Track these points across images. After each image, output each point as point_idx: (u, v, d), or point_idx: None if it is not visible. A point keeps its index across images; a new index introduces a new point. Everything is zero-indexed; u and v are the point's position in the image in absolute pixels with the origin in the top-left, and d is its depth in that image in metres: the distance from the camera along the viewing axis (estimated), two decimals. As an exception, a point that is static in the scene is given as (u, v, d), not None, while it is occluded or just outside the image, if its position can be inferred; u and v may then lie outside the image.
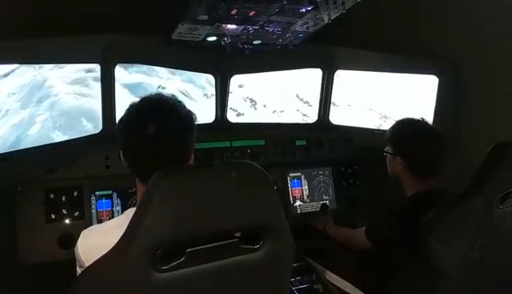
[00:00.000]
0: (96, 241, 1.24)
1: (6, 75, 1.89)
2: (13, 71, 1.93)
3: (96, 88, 2.35)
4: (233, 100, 2.97)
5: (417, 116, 2.19)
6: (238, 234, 1.11)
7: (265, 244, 1.12)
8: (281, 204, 2.90)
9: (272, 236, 1.13)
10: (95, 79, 2.34)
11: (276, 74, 3.00)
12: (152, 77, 2.67)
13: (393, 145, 2.18)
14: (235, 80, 2.88)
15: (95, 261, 1.06)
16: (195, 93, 2.89)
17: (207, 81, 2.91)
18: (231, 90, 2.87)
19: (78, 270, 1.34)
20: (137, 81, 2.57)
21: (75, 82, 2.34)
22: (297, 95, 3.15)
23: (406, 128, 2.17)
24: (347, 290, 2.21)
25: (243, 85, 2.97)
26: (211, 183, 1.05)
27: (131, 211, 1.15)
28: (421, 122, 2.15)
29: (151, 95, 1.44)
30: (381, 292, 2.00)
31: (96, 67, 2.29)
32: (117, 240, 1.03)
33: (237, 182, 1.07)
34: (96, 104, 2.38)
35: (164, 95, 1.43)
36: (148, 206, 0.98)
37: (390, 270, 1.91)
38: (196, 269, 1.03)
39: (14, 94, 2.02)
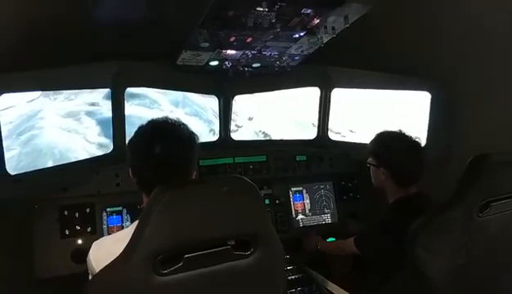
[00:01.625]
0: (106, 250, 1.36)
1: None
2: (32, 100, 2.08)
3: (86, 123, 2.46)
4: (246, 134, 3.10)
5: (395, 129, 2.31)
6: (232, 242, 1.24)
7: (256, 251, 1.24)
8: (285, 218, 3.01)
9: (262, 243, 1.25)
10: (87, 114, 2.43)
11: (280, 102, 3.13)
12: (153, 110, 2.69)
13: (376, 157, 2.31)
14: (243, 112, 3.00)
15: (104, 267, 1.21)
16: (200, 128, 2.94)
17: (214, 113, 2.96)
18: (241, 124, 3.02)
19: (91, 278, 1.49)
20: (130, 113, 2.59)
21: (68, 115, 2.41)
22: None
23: (388, 140, 2.30)
24: (344, 298, 2.31)
25: (252, 117, 3.10)
26: (204, 196, 1.19)
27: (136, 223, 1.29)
28: (401, 135, 2.27)
29: (158, 118, 1.58)
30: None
31: (101, 101, 2.45)
32: None
33: (228, 195, 1.21)
34: (74, 143, 2.42)
35: (170, 119, 1.57)
36: (148, 217, 1.12)
37: (381, 277, 2.01)
38: (193, 273, 1.16)
39: (11, 122, 2.06)
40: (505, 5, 1.82)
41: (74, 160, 2.39)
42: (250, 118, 3.13)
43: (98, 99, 2.50)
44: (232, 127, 3.01)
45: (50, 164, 2.27)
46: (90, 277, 1.48)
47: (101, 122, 2.54)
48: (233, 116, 2.95)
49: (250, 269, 1.24)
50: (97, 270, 1.32)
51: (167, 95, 2.83)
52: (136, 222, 1.47)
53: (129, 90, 2.56)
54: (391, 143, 2.28)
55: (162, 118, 1.56)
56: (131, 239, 1.14)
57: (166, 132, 1.51)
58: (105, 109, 2.48)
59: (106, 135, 2.51)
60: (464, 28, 2.12)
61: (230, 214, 1.20)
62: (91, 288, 1.25)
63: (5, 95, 1.86)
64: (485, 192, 1.72)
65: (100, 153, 2.54)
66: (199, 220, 1.15)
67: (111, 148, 2.55)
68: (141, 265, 1.11)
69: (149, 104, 2.77)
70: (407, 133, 2.30)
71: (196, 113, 2.58)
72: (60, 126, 2.40)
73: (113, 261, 1.18)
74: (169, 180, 1.29)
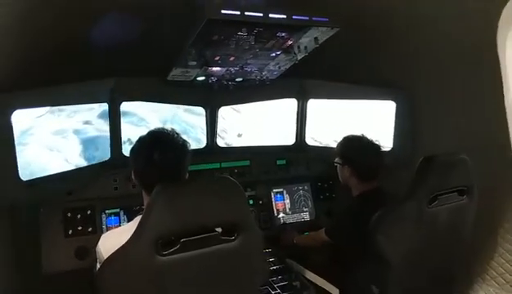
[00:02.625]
0: (113, 241, 1.59)
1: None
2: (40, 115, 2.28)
3: (72, 140, 2.63)
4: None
5: (358, 133, 2.61)
6: (219, 229, 1.52)
7: (239, 236, 1.52)
8: (267, 217, 3.29)
9: (244, 230, 1.52)
10: (75, 132, 2.62)
11: (265, 113, 3.40)
12: (140, 128, 2.86)
13: (342, 157, 2.60)
14: (233, 129, 3.24)
15: (113, 252, 1.46)
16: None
17: (203, 131, 3.16)
18: (230, 142, 3.27)
19: (98, 266, 1.73)
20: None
21: (58, 132, 2.56)
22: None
23: (352, 142, 2.60)
24: (320, 284, 2.59)
25: (241, 134, 3.34)
26: (196, 192, 1.47)
27: (139, 218, 1.52)
28: (363, 137, 2.59)
29: (156, 129, 1.87)
30: (344, 283, 2.39)
31: (94, 120, 2.68)
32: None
33: (215, 191, 1.49)
34: (53, 162, 2.59)
35: (166, 129, 1.86)
36: (151, 209, 1.39)
37: (349, 263, 2.31)
38: (187, 254, 1.42)
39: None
40: (466, 19, 1.99)
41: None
42: (239, 135, 3.39)
43: (93, 117, 2.70)
44: (222, 145, 3.24)
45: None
46: (98, 265, 1.73)
47: (85, 142, 2.64)
48: (223, 134, 3.18)
49: (234, 251, 1.51)
50: (105, 256, 1.54)
51: (157, 112, 3.02)
52: (137, 217, 1.74)
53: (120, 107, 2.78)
54: (354, 144, 2.59)
55: (159, 129, 1.84)
56: (137, 227, 1.41)
57: (163, 140, 1.78)
58: (93, 129, 2.66)
59: (86, 157, 2.65)
60: (423, 43, 2.32)
61: (217, 206, 1.47)
62: (103, 270, 1.51)
63: (17, 112, 2.07)
64: (432, 187, 1.97)
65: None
66: (193, 211, 1.42)
67: (109, 156, 2.79)
68: (146, 247, 1.36)
69: (136, 122, 2.94)
70: (368, 136, 2.60)
71: (184, 131, 2.77)
72: (46, 143, 2.52)
73: (121, 247, 1.42)
74: (166, 181, 1.52)
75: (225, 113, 3.24)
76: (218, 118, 3.29)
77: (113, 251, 1.46)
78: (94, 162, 2.73)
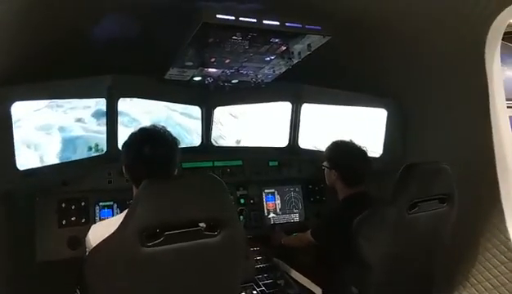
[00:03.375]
0: (102, 231, 1.63)
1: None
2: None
3: (54, 137, 2.64)
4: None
5: (347, 138, 2.67)
6: (203, 225, 1.59)
7: (221, 232, 1.57)
8: (258, 216, 3.32)
9: (227, 227, 1.57)
10: (60, 129, 2.62)
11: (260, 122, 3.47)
12: (129, 129, 2.85)
13: (330, 161, 2.66)
14: (230, 136, 3.31)
15: (101, 241, 1.52)
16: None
17: (198, 136, 3.22)
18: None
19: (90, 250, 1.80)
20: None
21: (42, 128, 2.57)
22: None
23: (340, 147, 2.67)
24: (304, 283, 2.66)
25: (240, 140, 3.38)
26: (181, 188, 1.54)
27: (127, 210, 1.62)
28: (351, 143, 2.65)
29: (147, 126, 1.94)
30: (327, 283, 2.46)
31: (87, 118, 2.75)
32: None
33: (200, 187, 1.56)
34: (27, 160, 2.58)
35: (157, 126, 1.92)
36: (137, 203, 1.46)
37: (332, 264, 2.37)
38: (171, 247, 1.48)
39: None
40: (456, 33, 2.05)
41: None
42: (238, 142, 3.45)
43: (87, 115, 2.74)
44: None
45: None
46: (87, 252, 1.81)
47: (66, 141, 2.60)
48: (221, 141, 3.24)
49: (217, 246, 1.57)
50: (94, 245, 1.59)
51: (150, 113, 3.08)
52: (126, 210, 1.83)
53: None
54: (341, 149, 2.65)
55: (150, 126, 1.92)
56: (124, 218, 1.47)
57: (153, 137, 1.85)
58: (80, 128, 2.67)
59: (61, 158, 2.61)
60: (413, 55, 2.39)
61: (201, 202, 1.53)
62: (90, 257, 1.57)
63: (16, 104, 2.10)
64: (413, 194, 2.02)
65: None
66: (177, 206, 1.48)
67: (105, 150, 2.87)
68: (131, 238, 1.42)
69: (127, 123, 2.97)
70: (356, 142, 2.66)
71: (178, 135, 2.88)
72: (28, 138, 2.52)
73: (108, 236, 1.48)
74: (155, 176, 1.60)
75: (223, 120, 3.31)
76: (217, 125, 3.36)
77: (99, 241, 1.52)
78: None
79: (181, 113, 2.99)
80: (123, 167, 1.88)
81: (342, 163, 2.61)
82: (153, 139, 1.84)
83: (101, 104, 2.75)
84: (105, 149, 2.85)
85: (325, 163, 2.71)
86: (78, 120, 2.43)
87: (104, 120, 2.81)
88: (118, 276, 1.47)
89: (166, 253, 1.48)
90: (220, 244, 1.58)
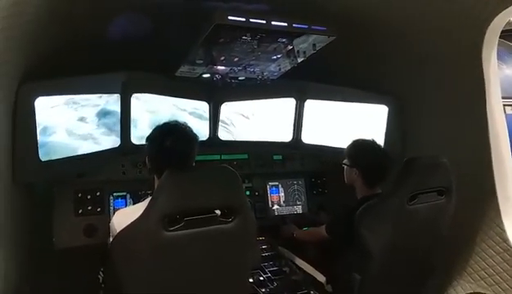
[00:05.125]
0: (125, 217, 1.79)
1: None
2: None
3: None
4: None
5: (369, 137, 2.68)
6: (218, 212, 1.72)
7: (235, 219, 1.71)
8: (262, 207, 3.42)
9: (240, 214, 1.72)
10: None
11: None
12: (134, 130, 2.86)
13: (350, 159, 2.64)
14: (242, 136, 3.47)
15: (125, 226, 1.66)
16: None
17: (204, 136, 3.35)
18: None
19: (111, 240, 1.93)
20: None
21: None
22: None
23: (361, 146, 2.65)
24: (308, 271, 2.77)
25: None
26: (200, 178, 1.67)
27: (149, 199, 1.71)
28: (373, 142, 2.64)
29: (170, 121, 2.08)
30: (331, 270, 2.59)
31: (90, 117, 2.77)
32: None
33: (216, 178, 1.69)
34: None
35: (178, 122, 2.08)
36: (161, 191, 1.59)
37: (336, 253, 2.48)
38: (190, 232, 1.62)
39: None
40: (455, 34, 2.12)
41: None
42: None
43: (91, 114, 2.74)
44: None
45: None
46: (111, 239, 1.94)
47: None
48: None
49: (231, 231, 1.71)
50: (118, 230, 1.75)
51: (153, 113, 3.15)
52: (148, 198, 1.93)
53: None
54: (364, 148, 2.63)
55: (173, 121, 2.06)
56: (147, 206, 1.60)
57: (175, 131, 2.00)
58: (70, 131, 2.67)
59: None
60: (414, 54, 2.47)
61: (217, 191, 1.67)
62: (116, 242, 1.72)
63: (40, 98, 2.20)
64: (413, 186, 2.11)
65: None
66: (196, 194, 1.61)
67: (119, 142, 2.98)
68: (154, 223, 1.55)
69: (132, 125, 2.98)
70: (378, 142, 2.66)
71: None
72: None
73: (132, 222, 1.62)
74: (176, 167, 1.67)
75: (235, 120, 3.44)
76: (229, 127, 3.49)
77: (124, 226, 1.66)
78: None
79: (190, 113, 3.06)
80: (146, 158, 2.03)
81: (364, 162, 2.58)
82: (175, 133, 1.98)
83: (109, 103, 2.85)
84: None
85: (345, 161, 2.68)
86: (81, 119, 2.45)
87: (104, 120, 2.90)
88: (142, 258, 1.61)
89: (185, 237, 1.61)
90: (233, 230, 1.72)
